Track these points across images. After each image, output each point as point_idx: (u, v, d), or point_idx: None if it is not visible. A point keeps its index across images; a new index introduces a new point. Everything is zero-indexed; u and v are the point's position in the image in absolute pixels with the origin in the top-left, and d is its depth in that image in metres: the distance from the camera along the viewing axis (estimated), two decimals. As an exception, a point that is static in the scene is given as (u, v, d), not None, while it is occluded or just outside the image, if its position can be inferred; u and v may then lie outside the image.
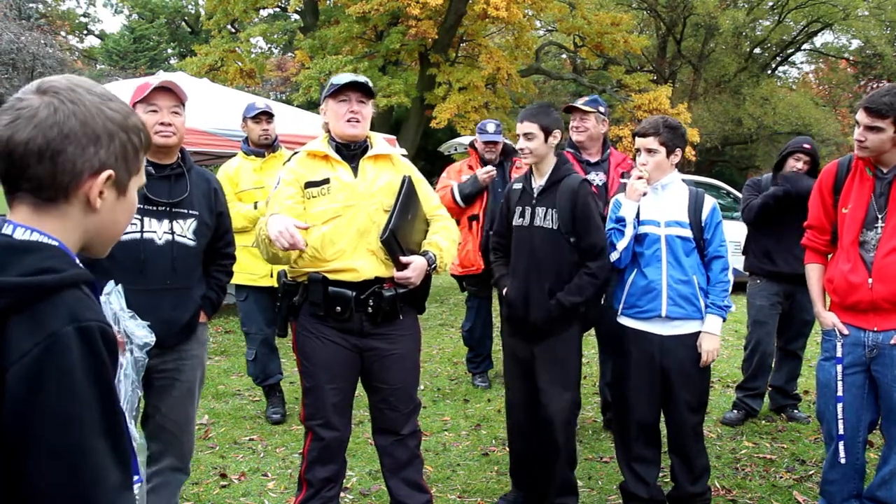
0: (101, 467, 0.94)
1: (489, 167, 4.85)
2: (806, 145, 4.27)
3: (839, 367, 2.77)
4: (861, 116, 2.62)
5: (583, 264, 2.97)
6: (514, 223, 3.11)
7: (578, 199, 2.95)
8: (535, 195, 3.05)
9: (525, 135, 2.99)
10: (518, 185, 3.17)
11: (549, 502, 3.11)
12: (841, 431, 2.77)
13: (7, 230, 1.02)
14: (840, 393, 2.76)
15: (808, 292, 4.24)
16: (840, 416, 2.76)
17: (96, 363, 0.95)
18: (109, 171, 1.06)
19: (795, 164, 4.22)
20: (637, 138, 3.04)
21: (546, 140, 3.01)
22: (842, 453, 2.77)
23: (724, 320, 2.99)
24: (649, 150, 3.00)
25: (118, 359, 1.01)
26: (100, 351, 0.96)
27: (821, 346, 2.92)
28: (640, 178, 2.98)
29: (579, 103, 4.13)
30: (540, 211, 3.02)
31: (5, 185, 1.05)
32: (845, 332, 2.77)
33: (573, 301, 2.95)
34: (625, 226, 3.00)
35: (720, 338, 2.99)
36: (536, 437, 3.12)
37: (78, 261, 1.06)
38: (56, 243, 1.03)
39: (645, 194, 2.99)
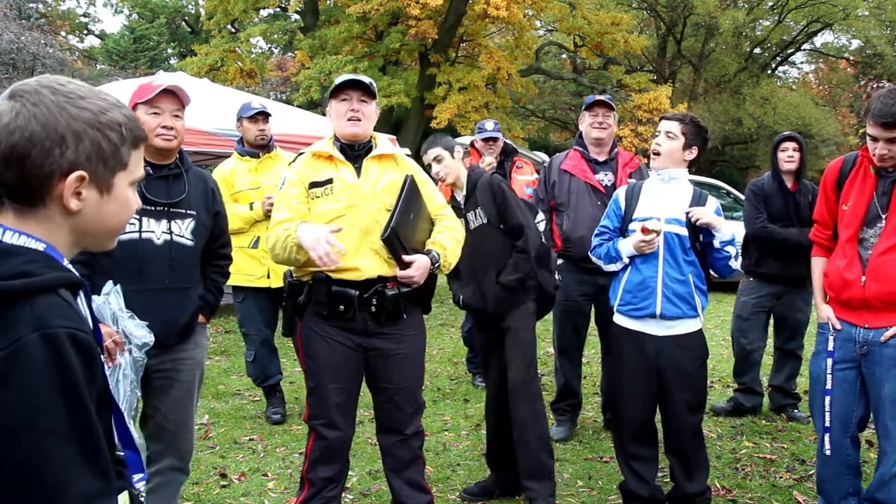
0: (66, 476, 0.91)
1: (490, 159, 4.86)
2: (788, 132, 4.42)
3: (829, 361, 2.79)
4: (878, 131, 2.56)
5: (513, 245, 3.22)
6: None
7: (493, 189, 3.21)
8: (463, 204, 3.27)
9: (435, 158, 3.23)
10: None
11: (523, 485, 3.27)
12: (827, 424, 2.78)
13: None
14: (829, 386, 2.78)
15: (799, 292, 4.34)
16: (827, 408, 2.78)
17: (62, 370, 0.92)
18: (80, 172, 1.03)
19: (783, 155, 4.28)
20: (662, 121, 3.06)
21: (452, 156, 3.24)
22: (827, 445, 2.79)
23: (730, 243, 2.92)
24: (669, 133, 3.00)
25: (96, 363, 0.98)
26: (66, 358, 0.93)
27: (816, 340, 2.93)
28: (652, 231, 2.91)
29: (603, 97, 4.13)
30: (470, 215, 3.26)
31: None
32: (838, 326, 2.78)
33: (511, 279, 3.18)
34: (609, 232, 3.12)
35: (715, 220, 2.92)
36: (507, 426, 3.30)
37: (66, 262, 1.04)
38: (43, 246, 1.01)
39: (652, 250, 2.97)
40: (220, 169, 4.47)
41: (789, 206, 4.22)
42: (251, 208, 4.26)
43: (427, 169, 3.17)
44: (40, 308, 0.94)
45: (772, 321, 4.57)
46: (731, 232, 2.94)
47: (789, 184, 4.28)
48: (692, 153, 3.02)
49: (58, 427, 0.91)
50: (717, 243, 2.94)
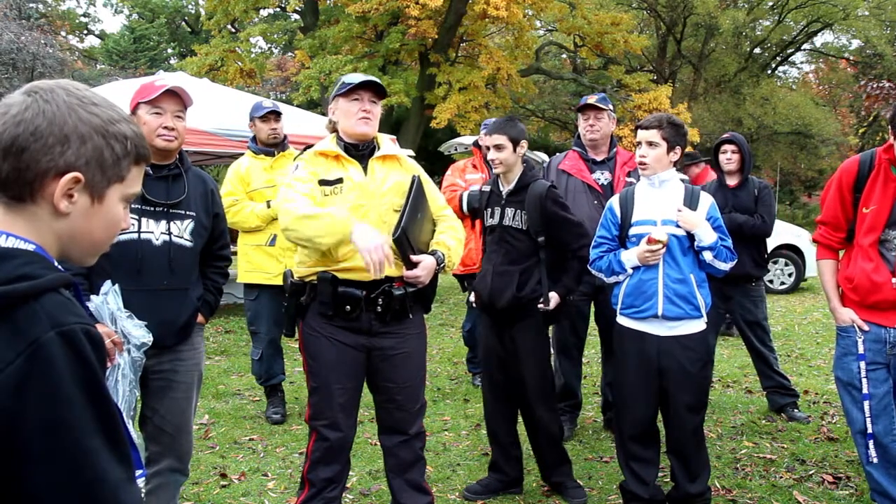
0: (99, 467, 0.94)
1: (478, 176, 4.79)
2: (726, 136, 4.58)
3: (862, 364, 2.73)
4: None
5: (566, 255, 3.28)
6: (486, 223, 3.38)
7: (546, 206, 3.20)
8: (505, 197, 3.27)
9: (496, 146, 3.20)
10: (486, 188, 3.45)
11: (551, 480, 3.39)
12: (870, 430, 2.70)
13: None
14: (865, 391, 2.72)
15: (744, 294, 4.34)
16: (867, 413, 2.71)
17: (82, 365, 0.94)
18: (76, 174, 1.03)
19: (723, 157, 4.50)
20: (639, 131, 3.04)
21: (514, 150, 3.21)
22: (872, 452, 2.71)
23: (713, 249, 2.92)
24: (650, 143, 2.99)
25: (106, 356, 1.00)
26: (84, 352, 0.95)
27: (836, 343, 2.89)
28: (658, 241, 2.90)
29: (593, 100, 4.11)
30: (509, 212, 3.26)
31: None
32: (865, 328, 2.74)
33: (575, 287, 3.34)
34: (607, 242, 3.11)
35: (698, 226, 2.93)
36: (512, 420, 3.41)
37: (56, 263, 1.04)
38: (32, 247, 1.01)
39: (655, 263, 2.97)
40: (235, 167, 4.48)
41: (728, 201, 4.37)
42: (268, 206, 4.27)
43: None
44: (50, 307, 0.95)
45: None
46: (709, 237, 2.93)
47: (732, 182, 4.47)
48: (676, 154, 3.03)
49: (86, 421, 0.93)
50: (696, 246, 2.96)
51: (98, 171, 1.06)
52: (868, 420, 2.71)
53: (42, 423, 0.91)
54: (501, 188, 3.30)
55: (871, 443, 2.71)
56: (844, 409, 2.89)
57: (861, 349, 2.74)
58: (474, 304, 3.50)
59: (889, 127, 2.59)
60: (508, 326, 3.27)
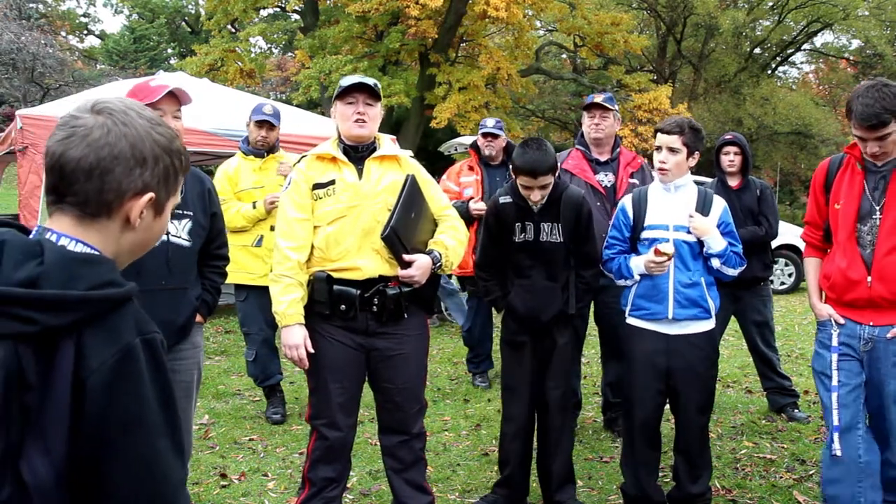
0: (168, 465, 1.03)
1: (482, 204, 4.65)
2: (728, 136, 4.51)
3: (834, 357, 2.75)
4: (863, 133, 2.54)
5: (577, 269, 3.15)
6: (516, 239, 3.10)
7: (582, 213, 3.09)
8: (537, 211, 3.07)
9: (542, 187, 2.99)
10: (506, 200, 3.12)
11: (552, 498, 3.20)
12: (836, 423, 2.71)
13: (51, 238, 1.05)
14: (835, 382, 2.74)
15: (755, 293, 4.33)
16: (834, 405, 2.72)
17: (160, 372, 1.04)
18: (151, 194, 1.10)
19: (725, 159, 4.43)
20: (660, 135, 3.00)
21: (556, 175, 3.05)
22: (836, 444, 2.71)
23: (722, 256, 2.94)
24: (671, 149, 2.97)
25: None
26: (162, 360, 1.04)
27: (815, 338, 2.91)
28: (664, 254, 2.87)
29: (600, 99, 4.10)
30: (545, 227, 3.08)
31: (51, 195, 1.09)
32: (841, 321, 2.76)
33: (579, 307, 3.19)
34: (619, 243, 3.09)
35: (709, 233, 2.93)
36: (531, 436, 3.24)
37: None
38: (97, 254, 1.07)
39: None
40: (224, 166, 4.47)
41: (733, 203, 4.28)
42: (254, 207, 4.27)
43: (518, 175, 2.99)
44: (136, 314, 1.04)
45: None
46: (718, 245, 2.93)
47: (734, 183, 4.42)
48: (695, 159, 3.03)
49: (160, 422, 1.03)
50: (705, 252, 2.96)
51: (164, 187, 1.13)
52: (835, 411, 2.71)
53: (124, 420, 0.99)
54: (530, 202, 3.06)
55: (836, 435, 2.71)
56: (821, 397, 2.89)
57: (835, 342, 2.76)
58: (499, 313, 3.29)
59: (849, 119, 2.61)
60: (543, 338, 3.15)
